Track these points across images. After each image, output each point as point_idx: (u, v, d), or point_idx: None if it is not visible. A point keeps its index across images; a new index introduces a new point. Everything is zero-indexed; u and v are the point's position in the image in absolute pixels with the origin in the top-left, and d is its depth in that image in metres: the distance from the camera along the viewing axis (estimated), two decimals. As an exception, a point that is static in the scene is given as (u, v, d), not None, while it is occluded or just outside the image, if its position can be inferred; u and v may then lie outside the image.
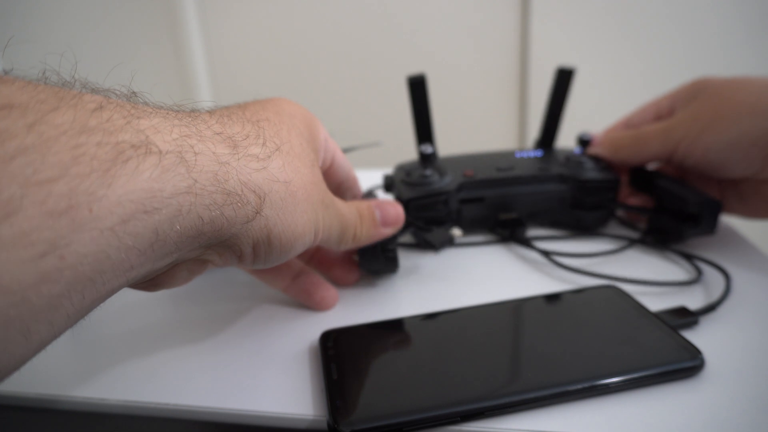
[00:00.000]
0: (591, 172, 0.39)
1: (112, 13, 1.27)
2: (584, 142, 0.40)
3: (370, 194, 0.37)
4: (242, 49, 1.59)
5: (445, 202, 0.38)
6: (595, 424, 0.21)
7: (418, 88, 0.40)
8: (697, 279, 0.32)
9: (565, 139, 0.44)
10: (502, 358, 0.24)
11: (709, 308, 0.28)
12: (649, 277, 0.32)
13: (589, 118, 1.36)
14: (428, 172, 0.39)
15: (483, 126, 1.47)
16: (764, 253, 0.36)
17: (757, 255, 0.36)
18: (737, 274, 0.33)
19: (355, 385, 0.23)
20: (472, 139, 1.47)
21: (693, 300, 0.30)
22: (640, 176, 0.40)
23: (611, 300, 0.29)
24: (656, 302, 0.30)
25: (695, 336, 0.27)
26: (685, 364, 0.23)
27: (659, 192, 0.37)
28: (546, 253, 0.36)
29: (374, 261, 0.32)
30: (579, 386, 0.22)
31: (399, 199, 0.38)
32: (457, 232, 0.36)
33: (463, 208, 0.39)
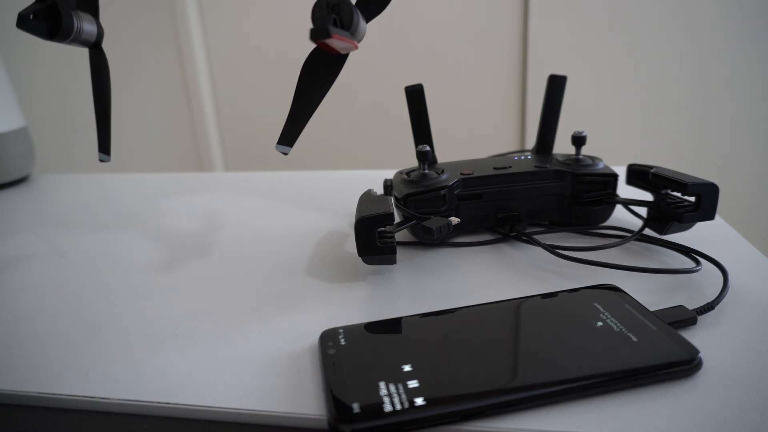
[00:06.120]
0: (589, 168, 0.40)
1: (115, 13, 1.27)
2: (579, 139, 0.41)
3: (368, 194, 0.38)
4: (242, 49, 1.59)
5: (443, 198, 0.38)
6: (594, 423, 0.21)
7: (415, 97, 0.41)
8: (696, 268, 0.32)
9: (564, 147, 0.44)
10: (502, 357, 0.24)
11: (708, 307, 0.28)
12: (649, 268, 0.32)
13: (588, 122, 1.36)
14: (426, 169, 0.39)
15: (483, 134, 1.47)
16: (760, 250, 0.36)
17: (753, 253, 0.36)
18: (734, 273, 0.33)
19: (356, 384, 0.23)
20: (473, 147, 1.48)
21: (691, 299, 0.30)
22: (636, 173, 0.40)
23: (610, 299, 0.29)
24: (654, 301, 0.30)
25: (693, 335, 0.27)
26: (684, 364, 0.23)
27: (657, 182, 0.37)
28: (545, 245, 0.36)
29: (371, 248, 0.33)
30: (578, 385, 0.23)
31: (397, 196, 0.39)
32: (454, 219, 0.36)
33: (461, 205, 0.40)
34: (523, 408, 0.22)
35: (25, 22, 0.32)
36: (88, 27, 0.35)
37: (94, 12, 0.37)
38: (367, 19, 0.32)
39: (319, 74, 0.32)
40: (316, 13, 0.30)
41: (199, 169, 1.66)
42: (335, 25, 0.30)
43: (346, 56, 0.32)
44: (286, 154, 0.34)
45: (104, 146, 0.39)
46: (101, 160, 0.39)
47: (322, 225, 0.46)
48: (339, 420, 0.21)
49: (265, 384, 0.25)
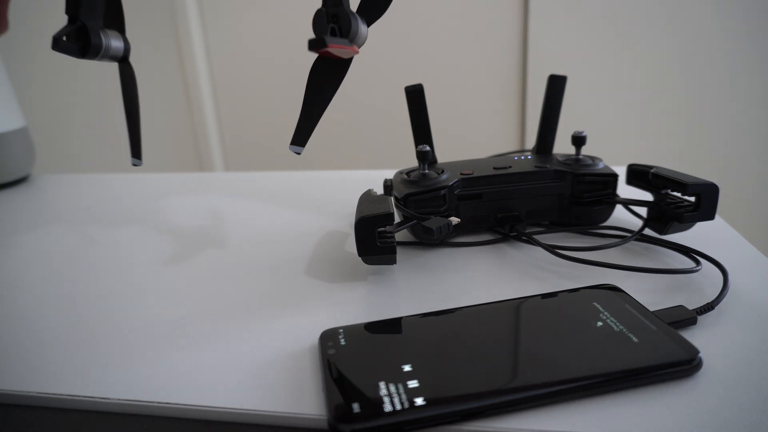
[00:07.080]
0: (589, 168, 0.40)
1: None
2: (579, 139, 0.41)
3: (368, 194, 0.38)
4: (242, 49, 1.59)
5: (443, 198, 0.38)
6: (594, 423, 0.21)
7: (416, 97, 0.41)
8: (696, 268, 0.32)
9: (564, 147, 0.44)
10: (502, 357, 0.24)
11: (708, 307, 0.28)
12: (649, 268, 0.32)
13: (588, 122, 1.36)
14: (426, 169, 0.39)
15: (484, 134, 1.47)
16: (760, 250, 0.36)
17: (753, 253, 0.36)
18: (734, 273, 0.33)
19: (356, 384, 0.23)
20: (473, 147, 1.48)
21: (691, 299, 0.30)
22: (636, 173, 0.40)
23: (610, 299, 0.29)
24: (654, 301, 0.30)
25: (693, 335, 0.27)
26: (684, 364, 0.23)
27: (657, 182, 0.37)
28: (545, 245, 0.36)
29: (371, 248, 0.33)
30: (578, 385, 0.23)
31: (397, 196, 0.39)
32: (454, 219, 0.36)
33: (461, 205, 0.40)
34: (523, 408, 0.22)
35: (59, 44, 0.34)
36: (115, 44, 0.38)
37: (120, 29, 0.39)
38: (368, 23, 0.33)
39: (325, 79, 0.34)
40: (317, 23, 0.32)
41: (199, 169, 1.66)
42: (333, 33, 0.31)
43: (350, 60, 0.33)
44: (299, 153, 0.36)
45: (136, 152, 0.42)
46: (134, 164, 0.42)
47: (322, 225, 0.46)
48: (339, 420, 0.21)
49: (265, 384, 0.25)
